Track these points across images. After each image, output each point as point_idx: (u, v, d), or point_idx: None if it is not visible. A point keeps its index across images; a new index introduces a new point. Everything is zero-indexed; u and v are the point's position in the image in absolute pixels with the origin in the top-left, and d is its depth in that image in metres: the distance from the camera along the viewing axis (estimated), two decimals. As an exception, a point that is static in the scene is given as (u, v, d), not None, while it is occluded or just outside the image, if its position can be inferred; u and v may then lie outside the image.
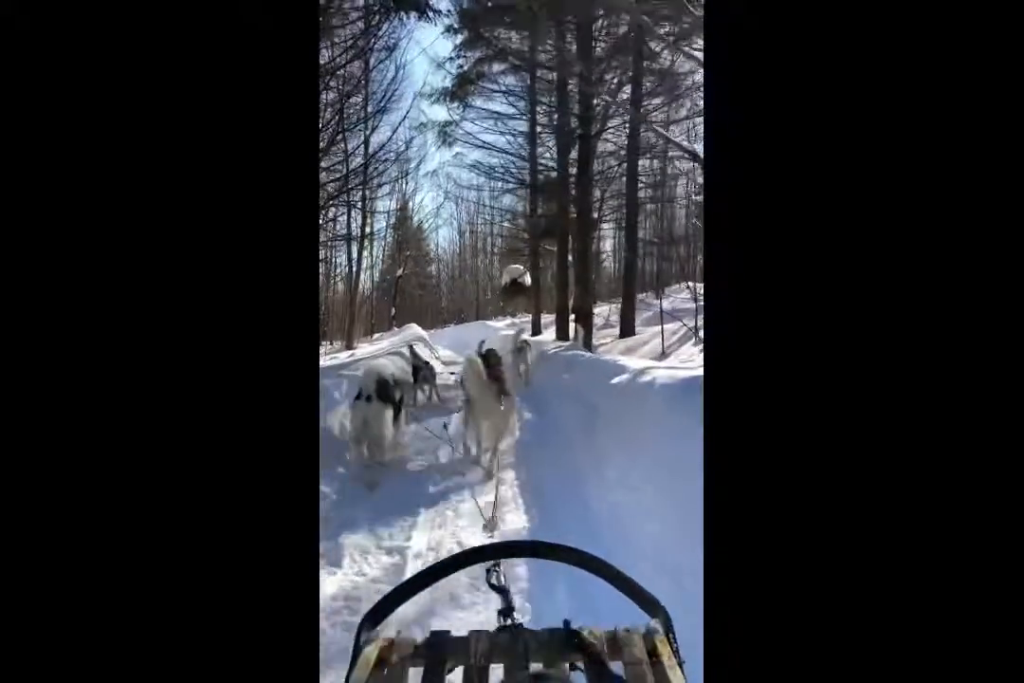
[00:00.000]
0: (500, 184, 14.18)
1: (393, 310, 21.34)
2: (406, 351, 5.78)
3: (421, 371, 5.77)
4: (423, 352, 6.64)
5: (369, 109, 12.79)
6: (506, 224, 15.43)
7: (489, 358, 4.14)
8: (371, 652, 0.63)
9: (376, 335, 18.18)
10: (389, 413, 3.72)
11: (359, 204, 14.00)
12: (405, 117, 13.06)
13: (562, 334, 10.39)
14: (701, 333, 7.84)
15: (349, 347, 13.90)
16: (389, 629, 0.69)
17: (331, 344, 16.34)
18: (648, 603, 0.69)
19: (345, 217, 14.61)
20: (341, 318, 14.59)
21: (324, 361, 7.64)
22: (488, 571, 0.79)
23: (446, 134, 13.05)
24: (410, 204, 23.81)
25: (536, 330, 13.27)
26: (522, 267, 14.03)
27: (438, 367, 6.86)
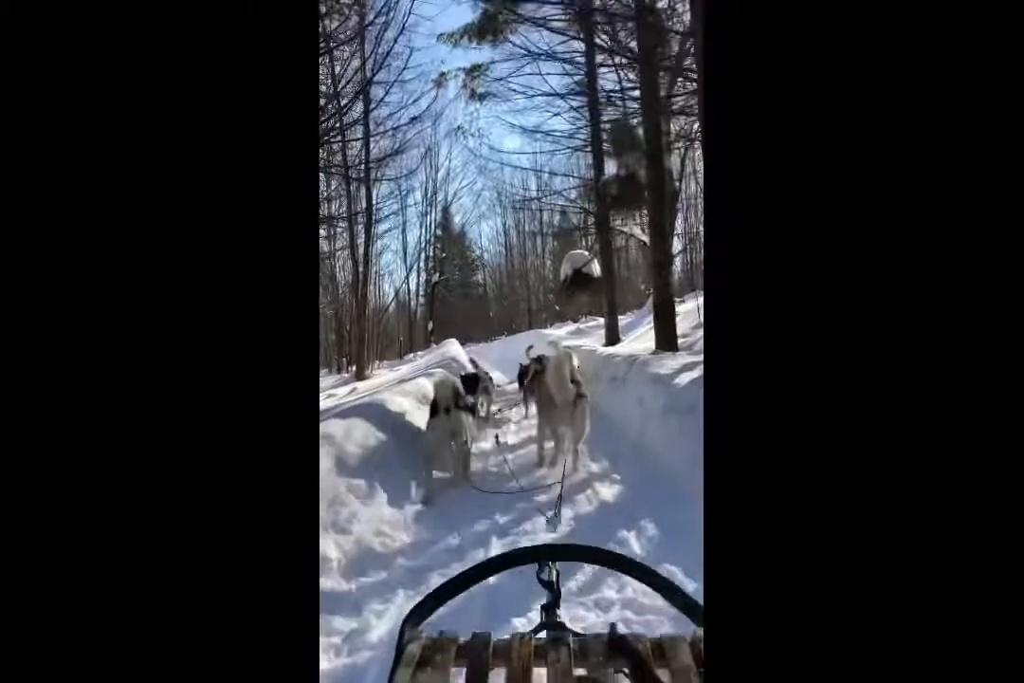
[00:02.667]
0: (549, 144, 10.50)
1: (431, 325, 17.95)
2: (425, 381, 5.09)
3: (481, 383, 5.38)
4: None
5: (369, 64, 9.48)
6: (560, 202, 11.63)
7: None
8: (414, 651, 0.66)
9: (412, 355, 14.89)
10: (471, 421, 3.62)
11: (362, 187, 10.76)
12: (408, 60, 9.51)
13: (666, 339, 6.45)
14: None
15: (359, 377, 10.53)
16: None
17: (339, 372, 13.12)
18: (695, 611, 0.69)
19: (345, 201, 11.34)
20: (359, 338, 11.22)
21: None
22: (540, 564, 0.79)
23: (475, 80, 9.69)
24: (429, 180, 20.16)
25: (612, 337, 9.54)
26: (587, 253, 10.36)
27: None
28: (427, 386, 4.79)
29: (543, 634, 0.70)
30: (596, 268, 10.08)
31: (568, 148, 10.59)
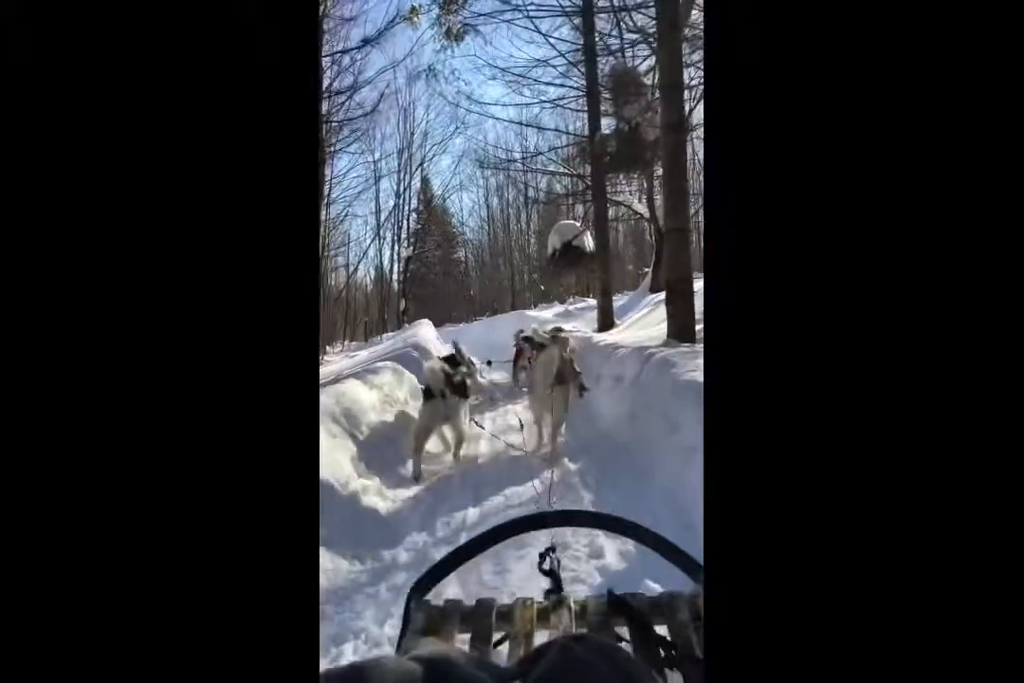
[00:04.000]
0: (537, 96, 9.01)
1: (403, 303, 16.41)
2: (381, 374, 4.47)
3: (461, 369, 4.80)
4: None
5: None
6: (548, 165, 10.10)
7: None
8: (421, 619, 0.67)
9: (379, 338, 13.46)
10: (465, 406, 3.71)
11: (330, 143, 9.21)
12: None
13: (682, 326, 4.74)
14: None
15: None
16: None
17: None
18: (692, 567, 0.69)
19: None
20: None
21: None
22: (541, 556, 0.79)
23: (451, 15, 8.15)
24: (404, 141, 18.33)
25: (607, 321, 8.20)
26: (578, 224, 8.99)
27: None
28: (353, 393, 3.76)
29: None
30: (589, 241, 8.72)
31: (553, 103, 9.07)
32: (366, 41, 7.85)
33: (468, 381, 3.98)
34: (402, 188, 18.56)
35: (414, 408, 4.04)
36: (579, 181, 8.98)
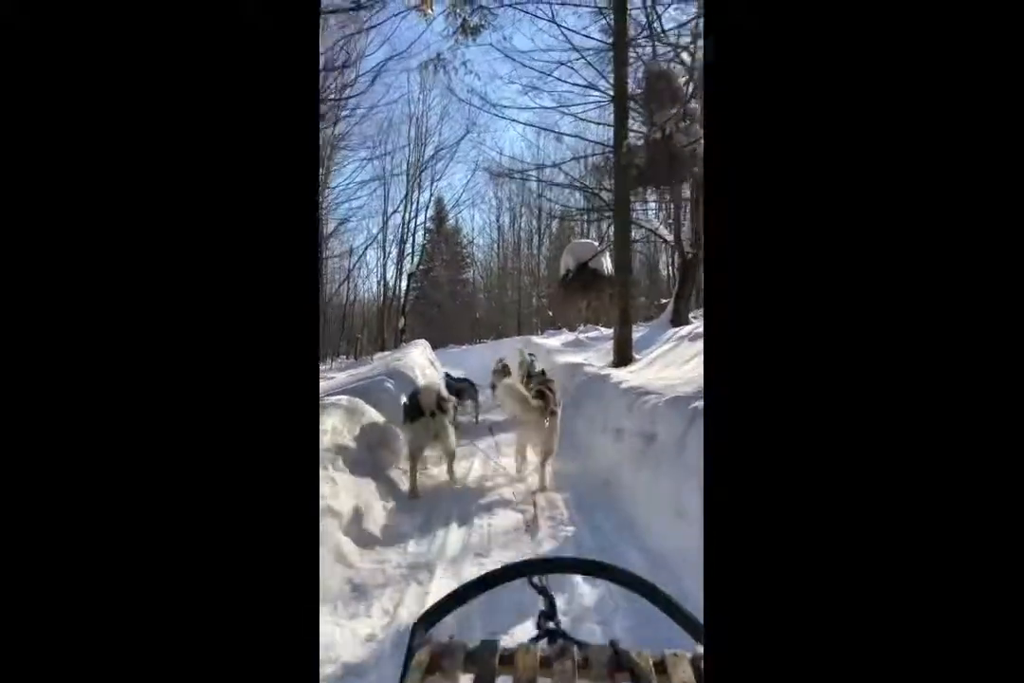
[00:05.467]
0: (557, 98, 8.09)
1: (402, 321, 15.44)
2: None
3: (466, 390, 5.49)
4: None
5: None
6: (567, 176, 9.05)
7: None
8: (423, 656, 0.67)
9: (380, 355, 12.47)
10: (452, 426, 3.74)
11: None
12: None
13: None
14: None
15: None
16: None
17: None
18: (696, 629, 0.69)
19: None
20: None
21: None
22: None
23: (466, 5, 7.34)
24: (412, 152, 17.30)
25: (623, 355, 7.13)
26: (596, 244, 8.04)
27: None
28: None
29: (548, 644, 0.71)
30: (607, 263, 7.74)
31: (576, 116, 8.19)
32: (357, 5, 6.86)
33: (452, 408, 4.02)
34: (410, 202, 17.66)
35: (364, 462, 3.04)
36: (597, 198, 8.01)
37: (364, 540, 2.60)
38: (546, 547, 2.63)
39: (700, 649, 0.65)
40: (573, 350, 8.42)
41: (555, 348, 8.42)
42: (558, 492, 3.35)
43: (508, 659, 0.66)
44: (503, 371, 5.51)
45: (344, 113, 8.65)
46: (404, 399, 3.92)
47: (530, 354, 5.59)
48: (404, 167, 16.79)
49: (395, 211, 17.12)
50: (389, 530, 2.83)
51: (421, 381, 5.52)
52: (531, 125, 11.80)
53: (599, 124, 8.44)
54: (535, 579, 0.76)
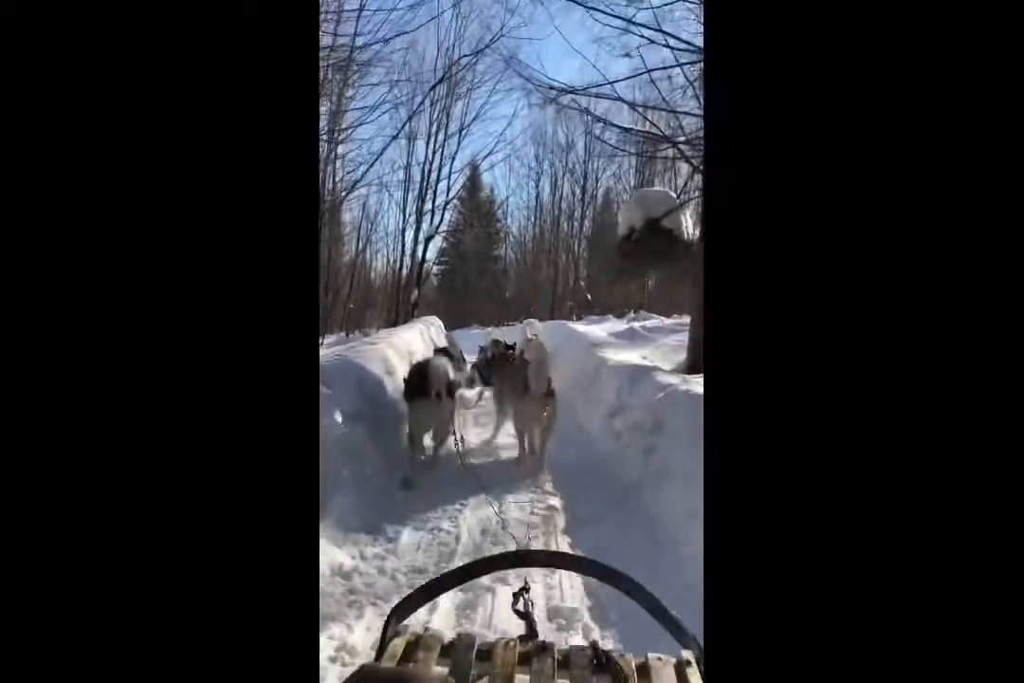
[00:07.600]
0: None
1: (415, 294, 13.41)
2: None
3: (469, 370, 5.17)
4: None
5: None
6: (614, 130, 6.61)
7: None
8: (398, 646, 0.67)
9: (383, 332, 10.52)
10: (455, 410, 3.68)
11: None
12: None
13: None
14: None
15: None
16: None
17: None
18: (682, 633, 0.69)
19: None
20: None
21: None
22: (515, 596, 0.78)
23: None
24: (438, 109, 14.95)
25: (700, 356, 4.97)
26: (673, 194, 5.74)
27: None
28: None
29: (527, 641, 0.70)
30: (687, 223, 5.47)
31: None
32: None
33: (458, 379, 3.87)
34: (431, 150, 15.35)
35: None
36: (680, 130, 5.69)
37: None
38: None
39: (685, 655, 0.66)
40: (626, 344, 6.19)
41: (599, 340, 6.21)
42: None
43: (485, 654, 0.66)
44: (494, 346, 4.58)
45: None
46: (404, 374, 3.73)
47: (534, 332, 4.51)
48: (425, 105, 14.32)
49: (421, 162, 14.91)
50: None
51: (394, 379, 4.05)
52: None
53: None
54: (518, 605, 0.76)
